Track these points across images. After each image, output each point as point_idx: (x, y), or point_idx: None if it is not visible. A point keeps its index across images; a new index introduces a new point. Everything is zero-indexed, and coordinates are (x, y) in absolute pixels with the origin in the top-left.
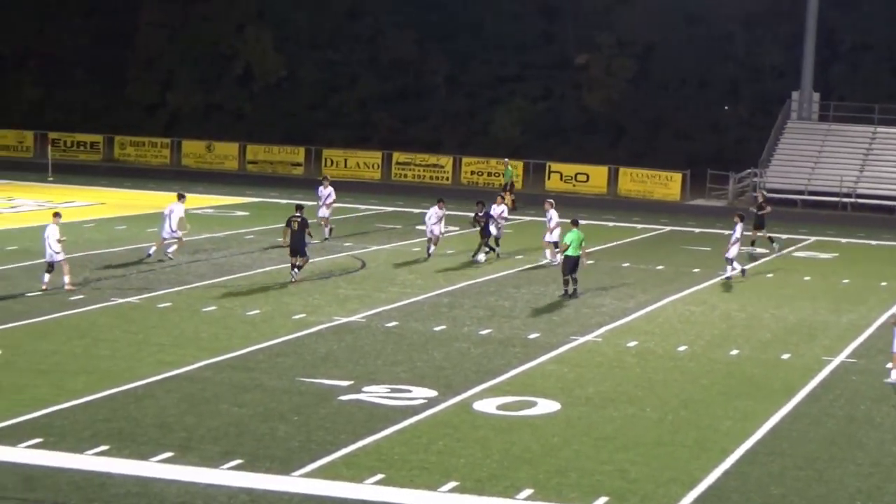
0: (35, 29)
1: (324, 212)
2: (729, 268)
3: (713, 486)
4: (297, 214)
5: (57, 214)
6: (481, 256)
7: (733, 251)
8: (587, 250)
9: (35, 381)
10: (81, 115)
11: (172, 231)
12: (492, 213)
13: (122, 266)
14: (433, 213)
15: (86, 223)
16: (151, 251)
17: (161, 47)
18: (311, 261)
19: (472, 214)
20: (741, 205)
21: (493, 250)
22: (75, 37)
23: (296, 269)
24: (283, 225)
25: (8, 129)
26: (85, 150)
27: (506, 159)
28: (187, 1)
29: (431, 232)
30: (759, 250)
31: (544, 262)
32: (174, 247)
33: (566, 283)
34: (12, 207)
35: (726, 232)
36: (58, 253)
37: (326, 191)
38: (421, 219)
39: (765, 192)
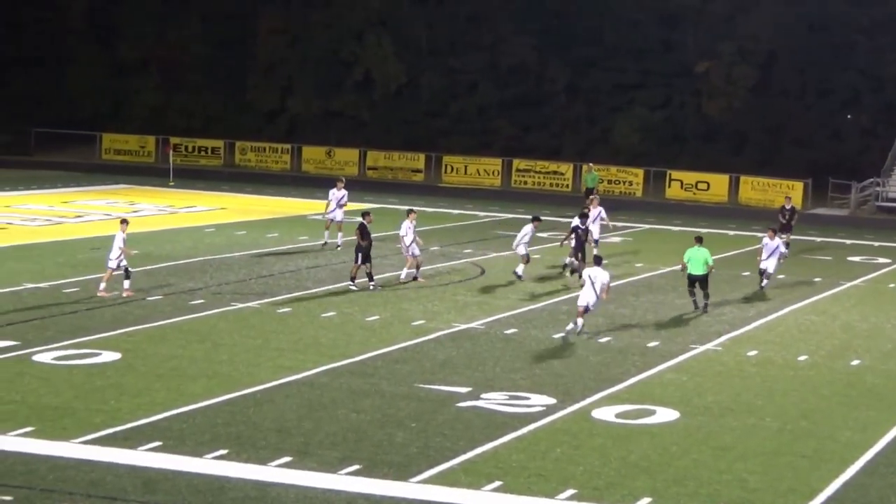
0: (156, 34)
1: (339, 215)
2: (766, 280)
3: (833, 496)
4: (362, 221)
5: (124, 222)
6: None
7: (772, 263)
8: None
9: (154, 385)
10: (202, 120)
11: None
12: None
13: (241, 271)
14: (528, 230)
15: (206, 228)
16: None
17: (281, 53)
18: (436, 266)
19: (574, 225)
20: (863, 214)
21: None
22: (196, 42)
23: (368, 279)
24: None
25: (130, 134)
26: (206, 156)
27: (590, 163)
28: (308, 7)
29: (526, 252)
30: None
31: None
32: (410, 270)
33: (691, 293)
34: (134, 212)
35: (848, 242)
36: (111, 259)
37: (340, 193)
38: (542, 226)
39: (790, 198)
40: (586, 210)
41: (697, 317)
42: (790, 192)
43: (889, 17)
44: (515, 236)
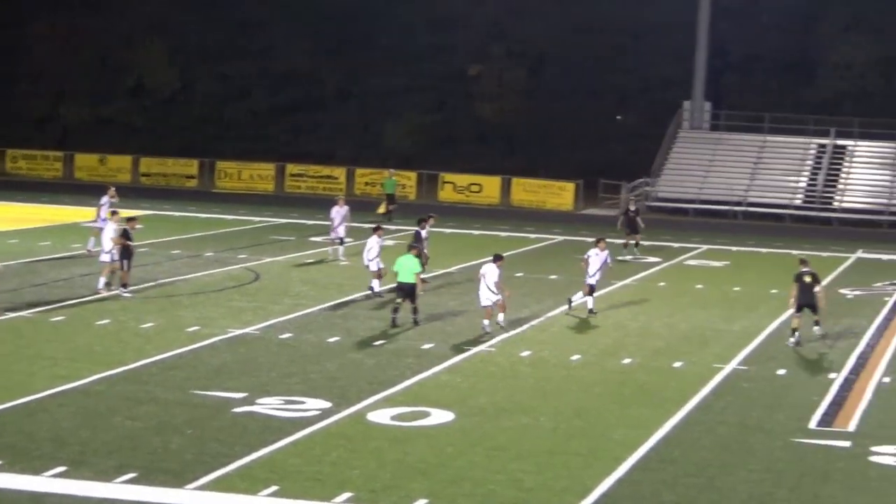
0: None
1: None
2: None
3: (606, 493)
4: (124, 227)
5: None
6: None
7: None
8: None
9: None
10: None
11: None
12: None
13: (13, 279)
14: (374, 242)
15: None
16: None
17: (52, 60)
18: (211, 272)
19: (417, 231)
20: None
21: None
22: None
23: (122, 286)
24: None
25: None
26: None
27: (390, 169)
28: (78, 14)
29: (378, 266)
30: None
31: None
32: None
33: (394, 310)
34: None
35: (618, 242)
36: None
37: (114, 200)
38: (316, 230)
39: (633, 199)
40: (426, 217)
41: (471, 318)
42: (561, 193)
43: (656, 20)
44: (289, 240)
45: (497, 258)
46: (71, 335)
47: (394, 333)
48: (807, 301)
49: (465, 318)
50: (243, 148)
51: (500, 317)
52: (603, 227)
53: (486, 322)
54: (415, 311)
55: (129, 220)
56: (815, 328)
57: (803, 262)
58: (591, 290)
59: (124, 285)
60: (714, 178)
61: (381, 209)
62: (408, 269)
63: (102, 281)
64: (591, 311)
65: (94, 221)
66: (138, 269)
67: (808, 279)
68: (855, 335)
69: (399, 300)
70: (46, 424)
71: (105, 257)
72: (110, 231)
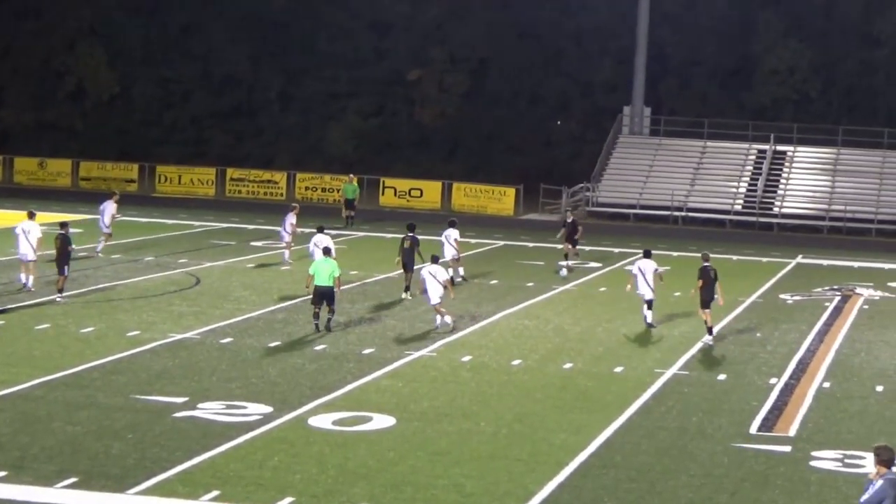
0: None
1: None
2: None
3: (547, 499)
4: (62, 232)
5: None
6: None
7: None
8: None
9: None
10: None
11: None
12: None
13: None
14: (321, 241)
15: None
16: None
17: None
18: (151, 277)
19: (409, 235)
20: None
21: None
22: None
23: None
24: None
25: None
26: None
27: (350, 175)
28: (18, 17)
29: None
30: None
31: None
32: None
33: (315, 315)
34: None
35: (559, 246)
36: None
37: (113, 206)
38: (257, 234)
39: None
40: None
41: (412, 323)
42: (502, 198)
43: (596, 24)
44: (230, 245)
45: (436, 258)
46: (10, 340)
47: (333, 339)
48: (711, 296)
49: (407, 324)
50: (184, 152)
51: (448, 318)
52: (546, 232)
53: (440, 319)
54: (331, 314)
55: (63, 224)
56: (708, 338)
57: (706, 257)
58: (650, 302)
59: (60, 290)
60: (654, 183)
61: (343, 215)
62: (325, 272)
63: (31, 279)
64: (650, 324)
65: (105, 227)
66: (78, 272)
67: (712, 274)
68: (795, 340)
69: (316, 307)
70: None
71: (31, 257)
72: (37, 231)
